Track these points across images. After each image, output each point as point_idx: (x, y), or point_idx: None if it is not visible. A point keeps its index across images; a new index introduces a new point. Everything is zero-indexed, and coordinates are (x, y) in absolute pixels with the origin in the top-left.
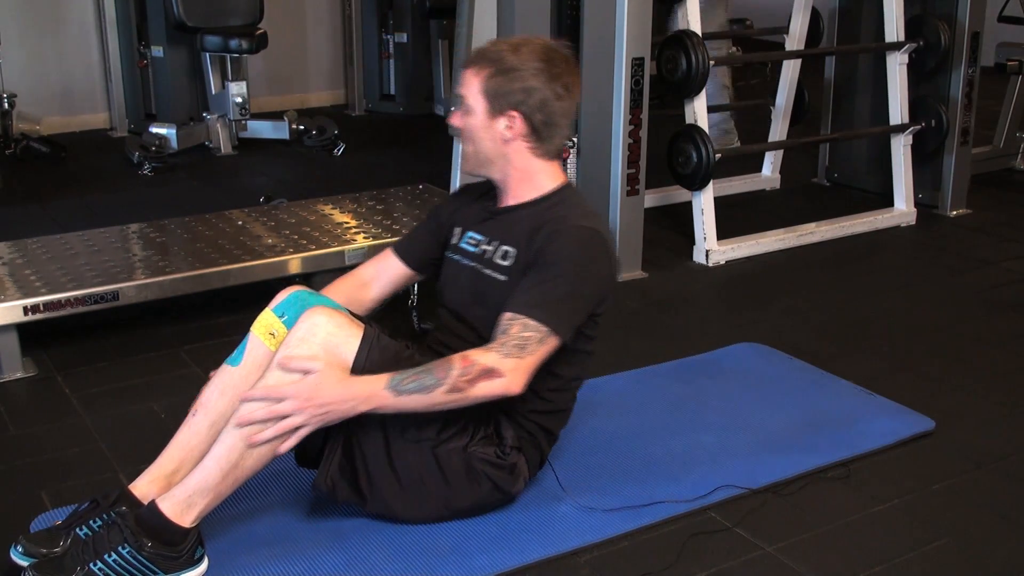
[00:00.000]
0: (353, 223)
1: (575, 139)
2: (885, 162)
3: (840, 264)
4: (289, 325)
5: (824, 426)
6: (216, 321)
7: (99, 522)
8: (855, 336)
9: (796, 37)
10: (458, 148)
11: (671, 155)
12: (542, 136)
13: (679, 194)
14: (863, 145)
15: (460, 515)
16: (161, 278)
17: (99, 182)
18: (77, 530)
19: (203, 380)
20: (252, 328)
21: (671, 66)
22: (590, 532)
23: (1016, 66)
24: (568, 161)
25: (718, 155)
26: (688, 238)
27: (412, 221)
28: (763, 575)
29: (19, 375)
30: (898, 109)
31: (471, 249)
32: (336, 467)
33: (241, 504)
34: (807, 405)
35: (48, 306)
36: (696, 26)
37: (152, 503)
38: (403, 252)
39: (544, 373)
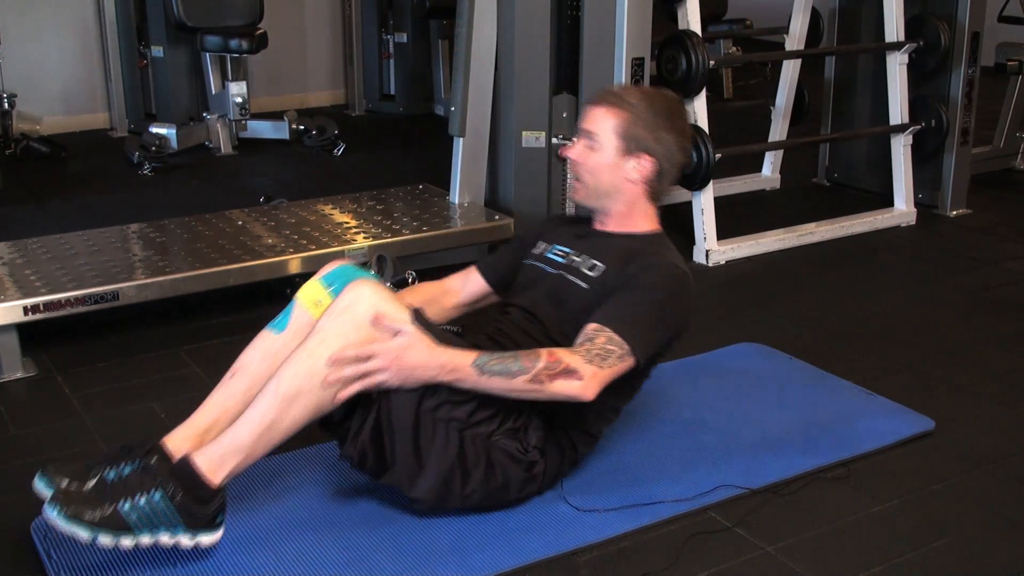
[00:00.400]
0: (353, 223)
1: (575, 139)
2: (885, 162)
3: (840, 264)
4: (336, 296)
5: (824, 426)
6: (216, 321)
7: (129, 469)
8: (855, 336)
9: (796, 37)
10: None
11: None
12: (660, 182)
13: (679, 194)
14: (863, 145)
15: (466, 503)
16: (161, 278)
17: (99, 182)
18: (105, 472)
19: (203, 380)
20: (297, 296)
21: (671, 66)
22: (590, 532)
23: (1016, 66)
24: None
25: (718, 155)
26: (688, 238)
27: (412, 221)
28: (763, 575)
29: (19, 375)
30: (898, 109)
31: (558, 259)
32: (368, 436)
33: (241, 504)
34: (807, 405)
35: (48, 306)
36: (696, 26)
37: (186, 457)
38: (486, 270)
39: None
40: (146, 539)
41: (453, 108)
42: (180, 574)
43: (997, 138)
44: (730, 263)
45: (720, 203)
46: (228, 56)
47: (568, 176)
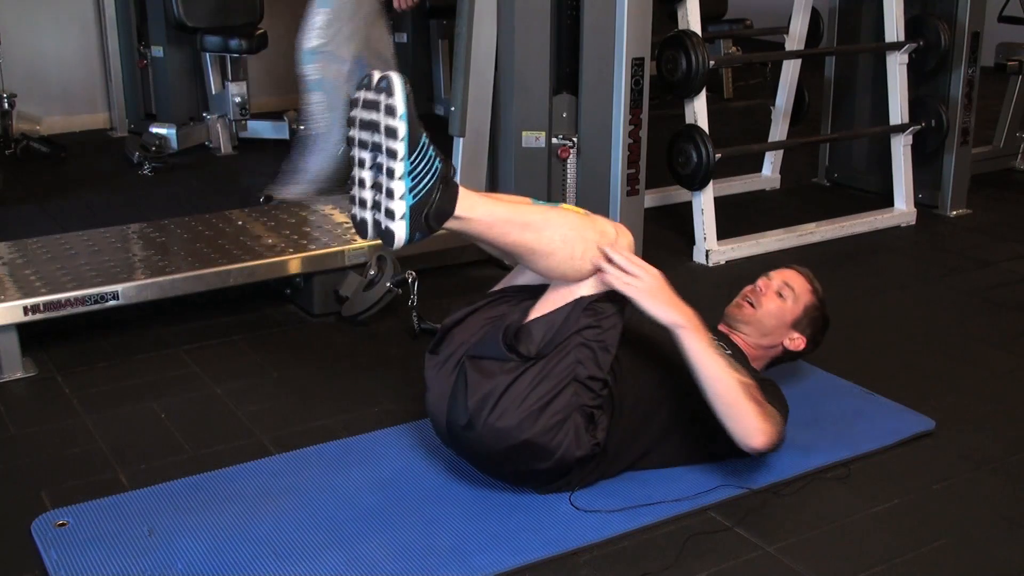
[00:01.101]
0: None
1: (575, 139)
2: (885, 162)
3: (840, 264)
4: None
5: (824, 426)
6: (216, 321)
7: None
8: (855, 336)
9: (796, 37)
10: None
11: (671, 155)
12: (792, 357)
13: (679, 194)
14: (863, 145)
15: (522, 456)
16: (161, 278)
17: (99, 182)
18: None
19: (203, 380)
20: (563, 204)
21: (671, 66)
22: (590, 532)
23: (1016, 66)
24: (568, 161)
25: (718, 155)
26: (688, 238)
27: None
28: (763, 575)
29: (19, 375)
30: (898, 109)
31: None
32: (513, 331)
33: (242, 503)
34: (807, 405)
35: (48, 306)
36: (696, 26)
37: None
38: None
39: (661, 420)
40: (399, 165)
41: (453, 108)
42: (179, 574)
43: (997, 138)
44: (730, 263)
45: (720, 203)
46: (228, 56)
47: (746, 301)
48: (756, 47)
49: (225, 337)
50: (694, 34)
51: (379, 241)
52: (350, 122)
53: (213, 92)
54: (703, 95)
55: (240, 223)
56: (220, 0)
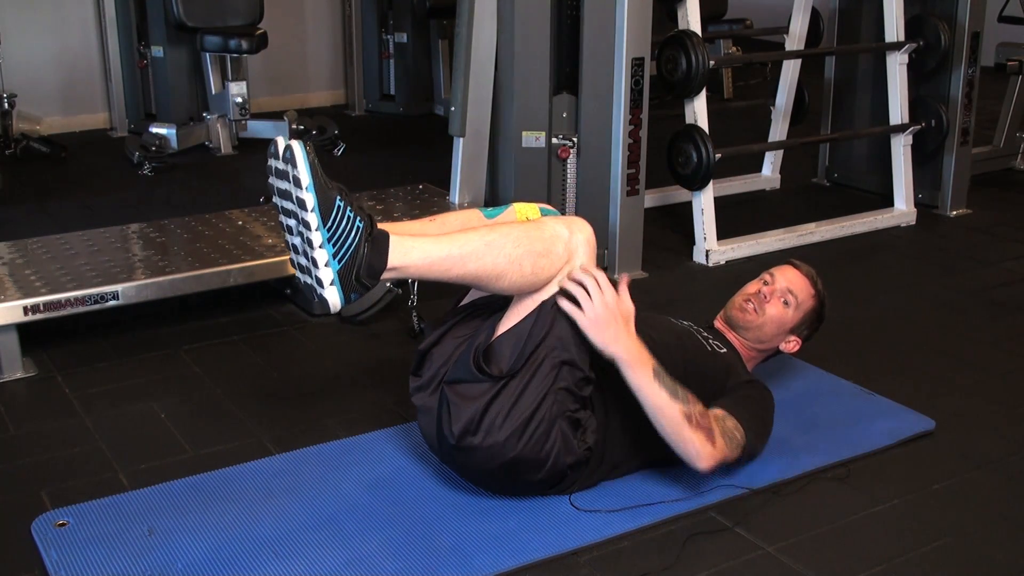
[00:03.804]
0: None
1: (575, 139)
2: (885, 162)
3: (840, 264)
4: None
5: (824, 426)
6: (216, 321)
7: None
8: (855, 336)
9: (796, 37)
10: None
11: (671, 155)
12: (782, 353)
13: (679, 194)
14: (863, 145)
15: (516, 471)
16: (161, 278)
17: (99, 182)
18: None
19: (203, 380)
20: (514, 204)
21: (671, 66)
22: (590, 532)
23: (1016, 66)
24: (568, 161)
25: (718, 155)
26: (688, 238)
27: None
28: (763, 575)
29: (19, 375)
30: (898, 109)
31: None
32: (481, 351)
33: (242, 503)
34: (807, 405)
35: (48, 306)
36: (696, 26)
37: (387, 232)
38: None
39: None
40: (316, 235)
41: (453, 108)
42: (179, 574)
43: (997, 138)
44: (730, 263)
45: (720, 203)
46: (228, 56)
47: (750, 305)
48: (756, 47)
49: (225, 337)
50: (694, 34)
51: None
52: (271, 189)
53: (213, 92)
54: (703, 95)
55: (240, 223)
56: (220, 0)
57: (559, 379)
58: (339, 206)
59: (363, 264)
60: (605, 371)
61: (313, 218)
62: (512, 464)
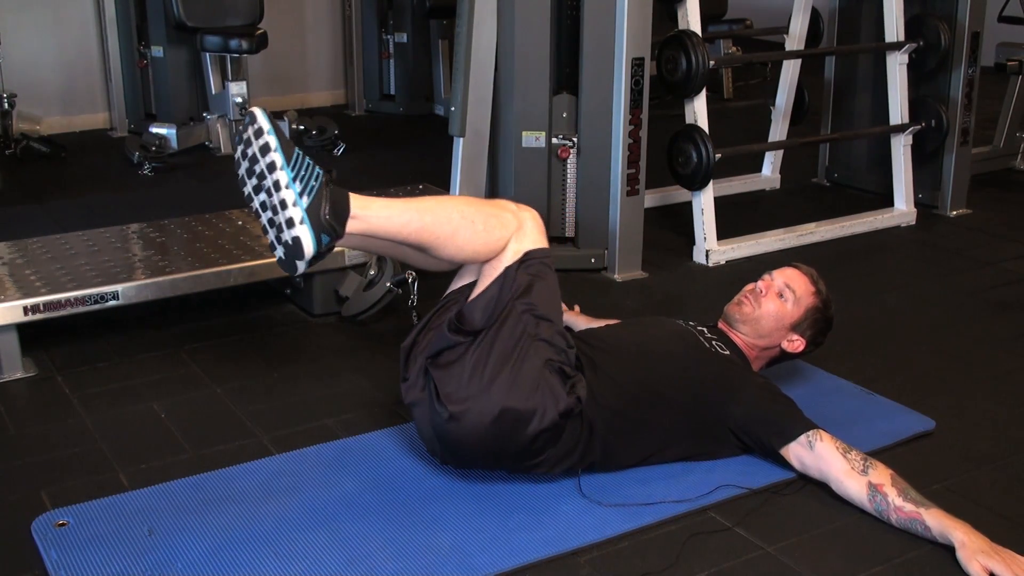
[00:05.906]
0: None
1: (575, 139)
2: (885, 162)
3: (840, 264)
4: None
5: (824, 426)
6: (216, 321)
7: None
8: (855, 336)
9: (796, 37)
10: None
11: (671, 155)
12: (791, 357)
13: (679, 194)
14: (863, 145)
15: (508, 427)
16: (161, 278)
17: (99, 182)
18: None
19: (203, 380)
20: None
21: (671, 66)
22: (590, 532)
23: (1016, 66)
24: (568, 161)
25: (718, 155)
26: (688, 238)
27: None
28: (763, 575)
29: (19, 375)
30: (898, 109)
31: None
32: (455, 317)
33: (242, 503)
34: (807, 405)
35: (48, 306)
36: (696, 26)
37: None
38: None
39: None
40: (282, 174)
41: (453, 108)
42: (179, 574)
43: (997, 138)
44: (730, 263)
45: (720, 203)
46: (228, 56)
47: (747, 303)
48: (756, 47)
49: (225, 337)
50: (694, 34)
51: (297, 266)
52: (239, 180)
53: (213, 92)
54: (703, 95)
55: (240, 223)
56: (220, 0)
57: (534, 329)
58: (299, 153)
59: (329, 202)
60: (599, 349)
61: (278, 157)
62: (503, 418)
